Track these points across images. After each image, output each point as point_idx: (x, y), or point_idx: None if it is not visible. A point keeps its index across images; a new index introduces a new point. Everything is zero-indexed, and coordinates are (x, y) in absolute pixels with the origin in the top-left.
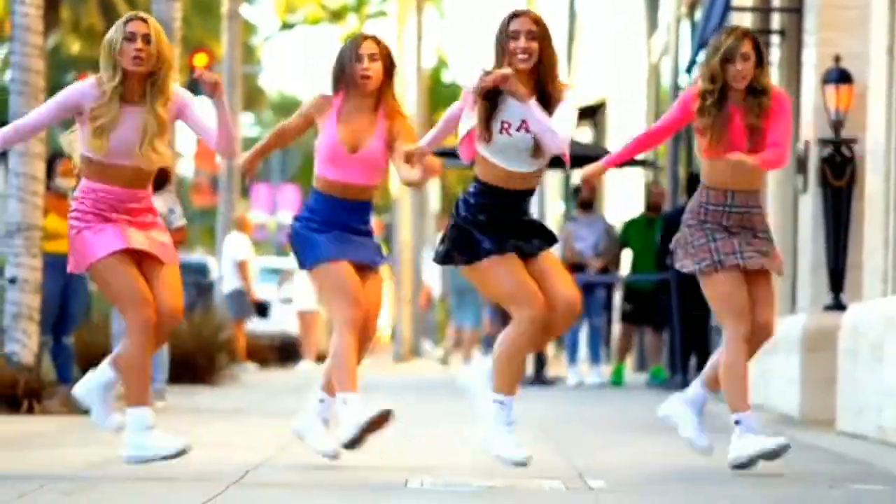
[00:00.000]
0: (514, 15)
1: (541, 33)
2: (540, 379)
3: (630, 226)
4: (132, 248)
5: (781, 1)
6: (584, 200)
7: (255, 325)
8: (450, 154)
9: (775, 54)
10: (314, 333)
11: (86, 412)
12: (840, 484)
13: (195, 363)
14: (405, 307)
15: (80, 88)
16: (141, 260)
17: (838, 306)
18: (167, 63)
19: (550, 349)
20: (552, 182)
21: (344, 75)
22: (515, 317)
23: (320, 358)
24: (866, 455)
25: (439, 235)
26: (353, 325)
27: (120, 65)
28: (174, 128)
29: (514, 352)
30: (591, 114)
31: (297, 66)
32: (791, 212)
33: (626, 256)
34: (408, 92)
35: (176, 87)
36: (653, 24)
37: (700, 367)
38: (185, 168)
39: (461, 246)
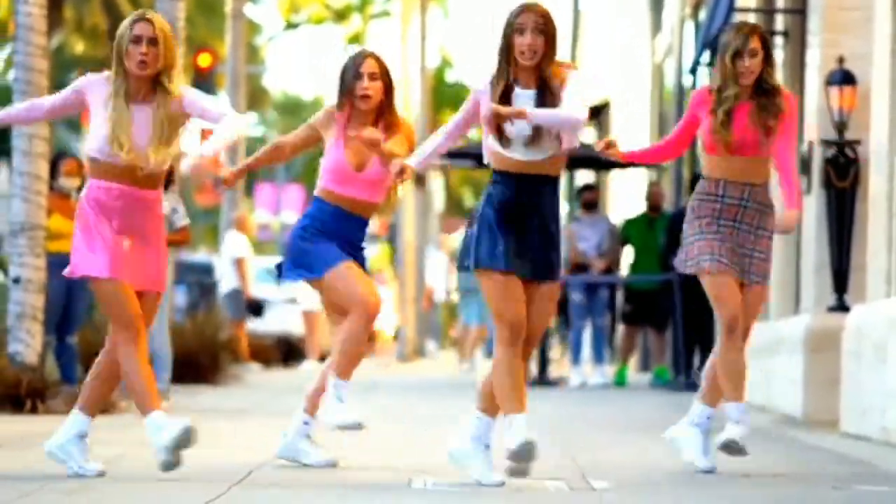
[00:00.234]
0: (522, 9)
1: (547, 28)
2: (543, 379)
3: (630, 224)
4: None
5: (785, 2)
6: (587, 201)
7: (257, 324)
8: (454, 155)
9: (779, 56)
10: (318, 333)
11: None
12: (843, 485)
13: (198, 363)
14: (409, 307)
15: (93, 78)
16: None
17: (842, 307)
18: (173, 63)
19: (554, 349)
20: None
21: (346, 92)
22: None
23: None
24: (870, 456)
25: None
26: (368, 316)
27: (126, 66)
28: (185, 126)
29: (496, 376)
30: (595, 114)
31: (301, 66)
32: None
33: (626, 255)
34: (412, 92)
35: (183, 87)
36: (657, 25)
37: (702, 366)
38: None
39: (478, 245)
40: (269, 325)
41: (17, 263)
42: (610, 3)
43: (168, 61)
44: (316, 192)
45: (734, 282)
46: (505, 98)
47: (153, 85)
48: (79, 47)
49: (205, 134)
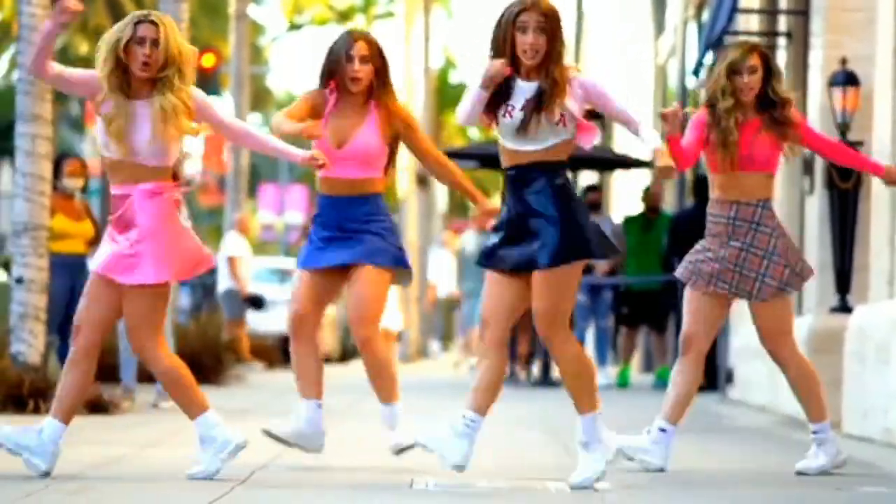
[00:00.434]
0: (524, 8)
1: (550, 26)
2: (546, 380)
3: (629, 222)
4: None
5: (788, 3)
6: (591, 201)
7: (259, 324)
8: (457, 155)
9: (782, 57)
10: (319, 334)
11: (93, 411)
12: (846, 486)
13: (201, 363)
14: (412, 308)
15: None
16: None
17: (844, 308)
18: (175, 64)
19: None
20: None
21: (334, 74)
22: None
23: (325, 359)
24: (872, 457)
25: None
26: (291, 324)
27: (123, 62)
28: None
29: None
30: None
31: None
32: (797, 213)
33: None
34: (415, 92)
35: (192, 89)
36: (660, 26)
37: (705, 368)
38: (192, 168)
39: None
40: (272, 324)
41: (21, 263)
42: (613, 5)
43: (174, 60)
44: (317, 188)
45: (714, 306)
46: (505, 89)
47: (154, 83)
48: (83, 48)
49: (208, 139)
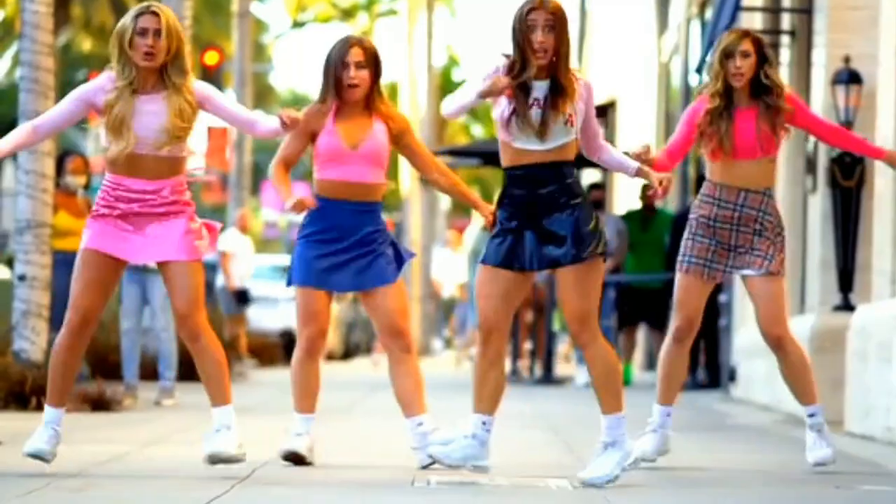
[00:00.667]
0: (532, 7)
1: (558, 24)
2: (549, 378)
3: (625, 219)
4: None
5: (791, 1)
6: (594, 200)
7: (262, 321)
8: (459, 153)
9: (785, 55)
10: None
11: (95, 409)
12: (847, 485)
13: None
14: (415, 306)
15: (97, 84)
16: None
17: (847, 307)
18: (181, 54)
19: (560, 349)
20: None
21: (331, 83)
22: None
23: (328, 357)
24: (874, 456)
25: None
26: (304, 342)
27: (130, 57)
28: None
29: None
30: (601, 113)
31: (308, 65)
32: (800, 212)
33: None
34: (418, 91)
35: (195, 81)
36: (663, 24)
37: (708, 365)
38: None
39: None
40: (275, 322)
41: (23, 261)
42: (616, 2)
43: (175, 52)
44: (315, 191)
45: (703, 289)
46: (524, 90)
47: (161, 76)
48: (86, 45)
49: (211, 132)
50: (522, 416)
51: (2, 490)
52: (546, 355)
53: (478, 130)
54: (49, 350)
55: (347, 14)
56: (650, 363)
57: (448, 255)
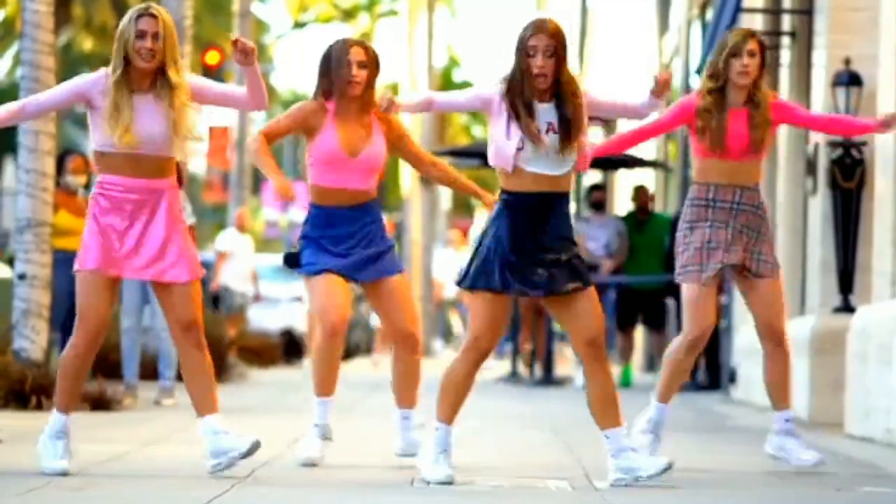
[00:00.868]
0: (533, 31)
1: (558, 46)
2: (549, 379)
3: (624, 219)
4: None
5: (792, 3)
6: (595, 201)
7: (259, 321)
8: (460, 154)
9: (785, 56)
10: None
11: (95, 408)
12: (847, 486)
13: None
14: (416, 306)
15: (92, 77)
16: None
17: (847, 308)
18: (175, 55)
19: (560, 350)
20: None
21: (331, 81)
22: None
23: None
24: (874, 457)
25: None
26: (329, 326)
27: (130, 59)
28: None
29: (448, 381)
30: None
31: (309, 65)
32: (801, 213)
33: None
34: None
35: (186, 75)
36: (664, 25)
37: (708, 367)
38: (196, 165)
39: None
40: (275, 322)
41: (23, 260)
42: (617, 3)
43: (172, 53)
44: (310, 198)
45: (709, 296)
46: (528, 112)
47: (155, 76)
48: (87, 44)
49: (212, 131)
50: (522, 417)
51: (2, 489)
52: (546, 355)
53: (478, 131)
54: (49, 349)
55: (348, 14)
56: (650, 365)
57: (450, 255)
